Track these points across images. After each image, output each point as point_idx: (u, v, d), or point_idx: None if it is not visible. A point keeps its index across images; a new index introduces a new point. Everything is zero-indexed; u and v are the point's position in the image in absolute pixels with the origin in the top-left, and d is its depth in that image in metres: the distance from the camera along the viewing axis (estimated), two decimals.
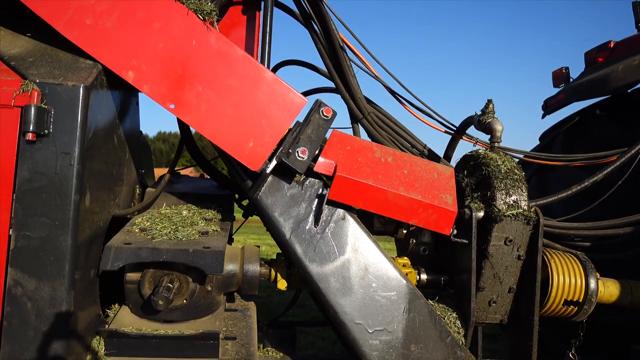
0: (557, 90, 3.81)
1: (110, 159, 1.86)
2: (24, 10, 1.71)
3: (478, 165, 2.03)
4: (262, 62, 2.13)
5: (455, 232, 1.93)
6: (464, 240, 1.93)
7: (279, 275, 2.01)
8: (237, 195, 2.42)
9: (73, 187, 1.54)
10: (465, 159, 2.15)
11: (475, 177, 2.04)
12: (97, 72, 1.67)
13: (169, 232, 1.83)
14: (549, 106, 3.78)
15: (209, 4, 1.76)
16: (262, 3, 2.39)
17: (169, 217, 2.02)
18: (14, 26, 1.80)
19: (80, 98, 1.56)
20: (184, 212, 2.11)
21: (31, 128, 1.48)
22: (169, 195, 2.23)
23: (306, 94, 2.78)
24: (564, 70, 3.83)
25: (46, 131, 1.52)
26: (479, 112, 2.21)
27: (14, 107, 1.51)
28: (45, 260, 1.51)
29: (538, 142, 3.76)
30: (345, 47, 2.25)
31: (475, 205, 1.95)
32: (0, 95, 1.51)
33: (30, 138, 1.49)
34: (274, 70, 2.60)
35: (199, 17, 1.73)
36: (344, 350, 2.61)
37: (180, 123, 2.20)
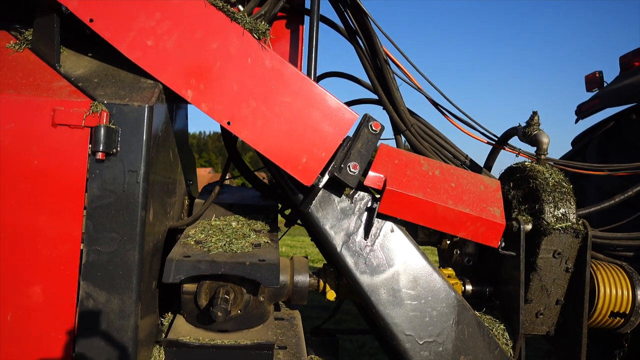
0: (590, 94, 3.78)
1: (166, 173, 1.93)
2: (85, 31, 1.79)
3: (525, 177, 2.05)
4: (309, 76, 2.18)
5: (503, 244, 1.95)
6: (512, 253, 1.95)
7: (327, 286, 2.05)
8: (280, 205, 2.47)
9: (139, 203, 1.61)
10: (511, 171, 2.16)
11: (522, 189, 2.06)
12: (159, 92, 1.73)
13: (224, 244, 1.89)
14: (583, 111, 3.75)
15: (263, 22, 1.81)
16: (308, 17, 2.45)
17: (220, 228, 2.08)
18: (75, 47, 1.87)
19: (145, 118, 1.63)
20: (234, 224, 2.17)
21: (101, 148, 1.55)
22: (217, 206, 2.29)
23: (348, 104, 2.81)
24: (597, 75, 3.79)
25: (114, 150, 1.59)
26: (523, 124, 2.23)
27: (84, 127, 1.58)
28: (114, 273, 1.58)
29: (570, 147, 3.74)
30: (389, 60, 2.28)
31: (523, 218, 1.97)
32: (72, 116, 1.58)
33: (100, 157, 1.56)
34: (316, 82, 2.65)
35: (253, 36, 1.79)
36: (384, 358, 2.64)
37: (226, 136, 2.26)
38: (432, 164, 2.05)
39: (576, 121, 3.91)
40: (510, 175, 2.15)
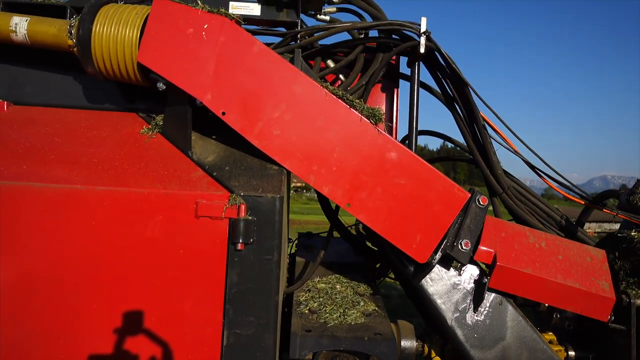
0: None
1: (283, 248, 2.04)
2: (207, 113, 1.92)
3: (633, 249, 2.06)
4: (410, 147, 2.25)
5: (612, 318, 1.97)
6: (622, 327, 1.97)
7: (433, 351, 2.13)
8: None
9: (273, 288, 1.73)
10: (616, 239, 2.17)
11: (629, 261, 2.07)
12: (285, 178, 1.84)
13: (338, 315, 1.99)
14: None
15: (380, 108, 1.89)
16: (402, 81, 2.52)
17: (327, 292, 2.19)
18: (199, 126, 2.00)
19: (277, 207, 1.74)
20: (338, 287, 2.28)
21: (241, 239, 1.68)
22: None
23: (436, 160, 2.88)
24: None
25: (252, 240, 1.71)
26: (625, 189, 2.22)
27: (224, 218, 1.71)
28: (252, 356, 1.70)
29: None
30: (486, 124, 2.33)
31: (633, 292, 1.98)
32: (213, 209, 1.71)
33: (240, 248, 1.69)
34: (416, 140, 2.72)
35: (370, 122, 1.87)
36: None
37: (320, 194, 2.36)
38: (538, 236, 2.08)
39: None
40: (615, 244, 2.16)
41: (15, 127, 1.95)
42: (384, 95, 2.55)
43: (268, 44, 2.20)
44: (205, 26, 1.83)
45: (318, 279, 2.35)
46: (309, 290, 2.23)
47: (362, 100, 1.91)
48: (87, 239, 1.70)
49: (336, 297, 2.15)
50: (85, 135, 1.96)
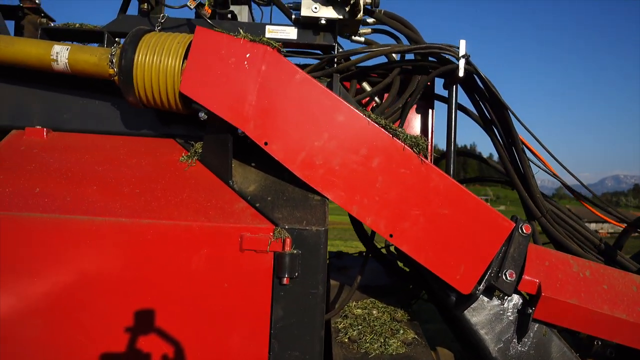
0: None
1: None
2: (245, 140, 1.90)
3: None
4: (449, 170, 2.22)
5: None
6: None
7: None
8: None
9: (319, 323, 1.71)
10: None
11: None
12: (327, 209, 1.82)
13: (379, 345, 1.97)
14: None
15: (423, 137, 1.87)
16: (437, 102, 2.49)
17: (365, 319, 2.17)
18: (236, 153, 1.98)
19: (322, 241, 1.72)
20: (374, 312, 2.25)
21: (286, 274, 1.66)
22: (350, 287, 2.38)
23: (471, 180, 2.84)
24: None
25: (297, 274, 1.69)
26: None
27: (269, 252, 1.70)
28: None
29: None
30: (524, 147, 2.29)
31: None
32: (257, 242, 1.70)
33: (285, 282, 1.67)
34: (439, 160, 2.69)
35: (414, 152, 1.84)
36: None
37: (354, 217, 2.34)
38: (582, 264, 2.04)
39: None
40: None
41: (56, 155, 1.95)
42: (418, 116, 2.51)
43: (302, 65, 2.18)
44: (247, 55, 1.81)
45: (354, 303, 2.33)
46: (346, 316, 2.21)
47: (404, 130, 1.88)
48: (131, 272, 1.69)
49: (374, 325, 2.12)
50: (125, 163, 1.95)
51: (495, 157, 2.50)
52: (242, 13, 2.67)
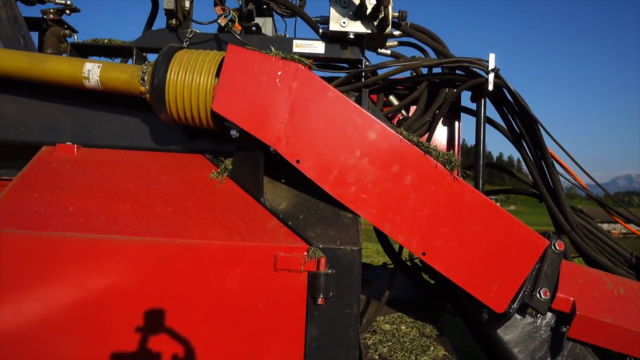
0: None
1: None
2: (275, 156, 1.89)
3: None
4: (477, 184, 2.20)
5: None
6: None
7: None
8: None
9: (353, 343, 1.70)
10: None
11: None
12: (359, 227, 1.82)
13: None
14: None
15: (455, 154, 1.85)
16: (463, 114, 2.47)
17: (394, 335, 2.16)
18: (265, 169, 1.98)
19: (357, 260, 1.72)
20: (403, 327, 2.24)
21: (321, 294, 1.66)
22: (377, 301, 2.36)
23: (498, 192, 2.82)
24: None
25: (331, 294, 1.69)
26: None
27: (303, 271, 1.69)
28: None
29: None
30: (554, 161, 2.26)
31: None
32: (292, 262, 1.69)
33: (320, 302, 1.67)
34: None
35: (446, 169, 1.83)
36: None
37: (378, 231, 2.32)
38: (615, 281, 2.02)
39: None
40: None
41: (88, 172, 1.96)
42: (445, 128, 2.50)
43: (327, 78, 2.17)
44: (279, 73, 1.81)
45: (381, 318, 2.32)
46: (375, 332, 2.20)
47: (435, 147, 1.86)
48: (166, 291, 1.70)
49: (404, 341, 2.11)
50: (156, 180, 1.95)
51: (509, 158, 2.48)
52: (266, 25, 2.66)
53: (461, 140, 2.50)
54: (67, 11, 2.76)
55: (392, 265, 2.79)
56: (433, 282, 2.63)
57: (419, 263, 2.84)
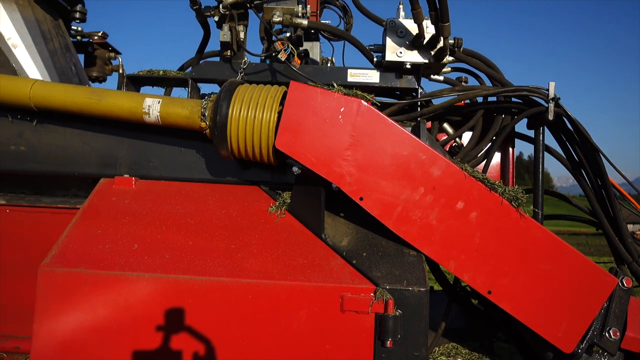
0: None
1: None
2: (330, 186, 1.87)
3: None
4: (536, 216, 2.15)
5: None
6: None
7: None
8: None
9: None
10: None
11: None
12: (425, 266, 1.79)
13: None
14: None
15: (522, 191, 1.81)
16: (517, 140, 2.42)
17: None
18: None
19: (424, 302, 1.69)
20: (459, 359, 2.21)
21: (390, 337, 1.63)
22: (432, 332, 2.33)
23: (555, 218, 2.75)
24: None
25: (399, 336, 1.66)
26: None
27: (370, 313, 1.67)
28: None
29: None
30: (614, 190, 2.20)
31: None
32: (359, 303, 1.67)
33: (389, 345, 1.64)
34: None
35: (512, 205, 1.79)
36: None
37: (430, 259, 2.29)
38: None
39: None
40: None
41: (148, 206, 1.97)
42: (498, 154, 2.45)
43: (381, 106, 2.15)
44: (341, 109, 1.79)
45: (437, 349, 2.29)
46: None
47: (501, 183, 1.82)
48: (230, 331, 1.69)
49: None
50: (215, 214, 1.95)
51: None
52: (313, 50, 2.65)
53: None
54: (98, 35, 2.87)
55: (440, 289, 2.76)
56: (483, 308, 2.59)
57: (468, 289, 2.79)
